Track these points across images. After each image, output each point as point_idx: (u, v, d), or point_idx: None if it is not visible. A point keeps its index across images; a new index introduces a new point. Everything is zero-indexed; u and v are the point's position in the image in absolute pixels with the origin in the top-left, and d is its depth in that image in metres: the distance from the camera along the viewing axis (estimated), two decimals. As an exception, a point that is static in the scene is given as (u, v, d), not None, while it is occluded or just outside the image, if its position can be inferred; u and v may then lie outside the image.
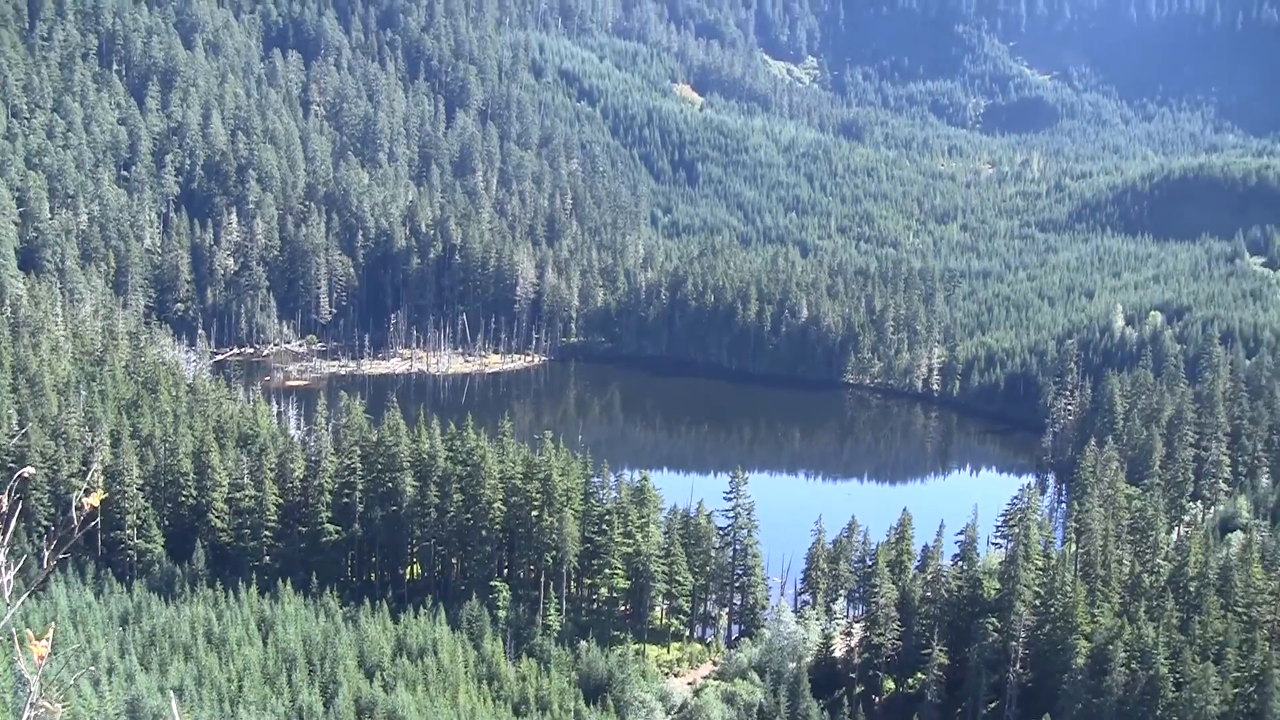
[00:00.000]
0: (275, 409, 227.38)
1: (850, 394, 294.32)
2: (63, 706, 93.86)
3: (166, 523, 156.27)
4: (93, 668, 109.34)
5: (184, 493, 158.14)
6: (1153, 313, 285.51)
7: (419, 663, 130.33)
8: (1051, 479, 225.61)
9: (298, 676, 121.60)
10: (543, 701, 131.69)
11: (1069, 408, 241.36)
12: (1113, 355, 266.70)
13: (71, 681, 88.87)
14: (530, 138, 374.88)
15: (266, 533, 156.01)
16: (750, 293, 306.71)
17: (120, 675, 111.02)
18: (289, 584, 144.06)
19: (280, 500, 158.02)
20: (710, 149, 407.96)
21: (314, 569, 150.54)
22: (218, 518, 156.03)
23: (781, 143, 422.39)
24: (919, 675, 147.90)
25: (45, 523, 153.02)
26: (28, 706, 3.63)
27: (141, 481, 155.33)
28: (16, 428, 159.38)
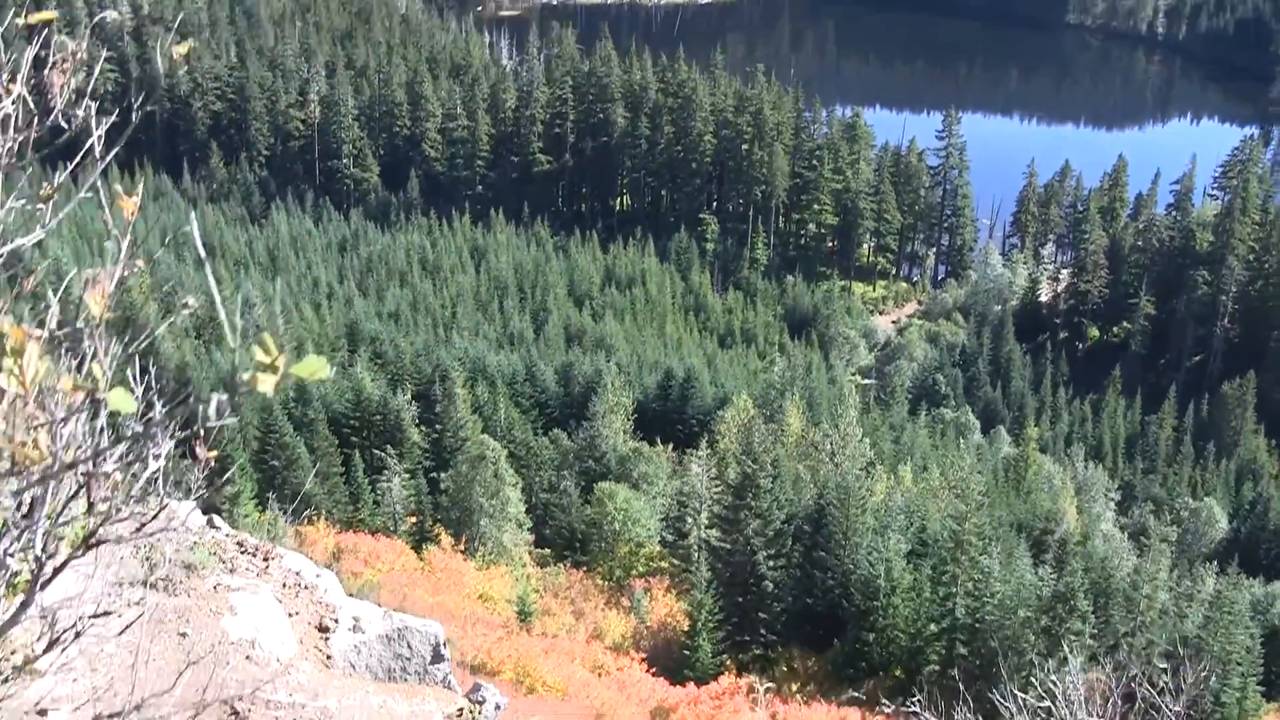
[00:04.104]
0: (487, 39, 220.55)
1: (1070, 34, 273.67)
2: (285, 325, 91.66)
3: (381, 153, 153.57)
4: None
5: (398, 123, 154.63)
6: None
7: (627, 292, 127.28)
8: (1276, 131, 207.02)
9: (509, 303, 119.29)
10: (748, 334, 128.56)
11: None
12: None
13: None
14: None
15: (479, 162, 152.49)
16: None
17: (339, 300, 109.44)
18: (501, 213, 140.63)
19: (492, 130, 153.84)
20: None
21: (525, 199, 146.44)
22: (431, 147, 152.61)
23: None
24: (1124, 324, 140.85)
25: (265, 152, 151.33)
26: (120, 262, 2.57)
27: (356, 111, 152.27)
28: (235, 60, 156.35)
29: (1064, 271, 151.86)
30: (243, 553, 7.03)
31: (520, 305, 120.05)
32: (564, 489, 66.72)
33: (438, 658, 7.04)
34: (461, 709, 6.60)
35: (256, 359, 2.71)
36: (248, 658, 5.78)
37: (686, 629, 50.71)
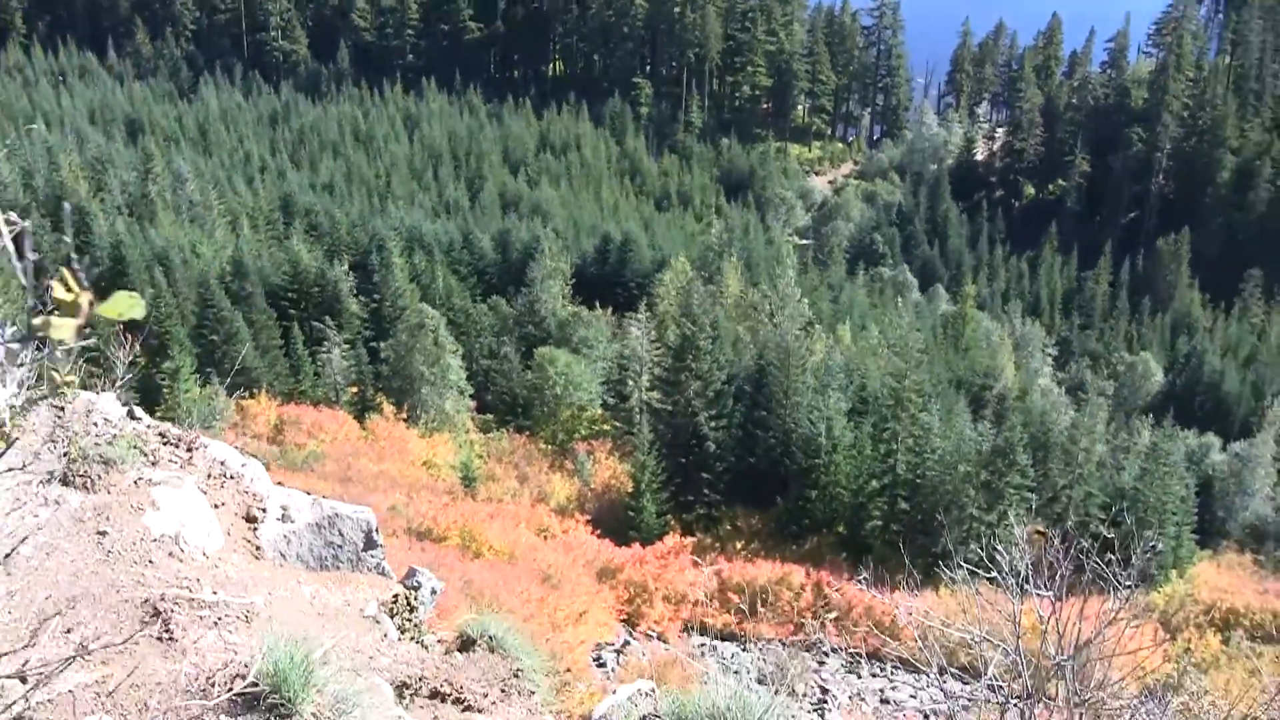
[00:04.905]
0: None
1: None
2: (218, 202, 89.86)
3: (310, 23, 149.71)
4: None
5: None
6: None
7: (562, 158, 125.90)
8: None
9: (444, 171, 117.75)
10: (684, 196, 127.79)
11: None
12: None
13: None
14: None
15: (409, 31, 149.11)
16: None
17: (272, 173, 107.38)
18: (433, 82, 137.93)
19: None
20: None
21: (457, 66, 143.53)
22: (360, 17, 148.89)
23: None
24: (1060, 182, 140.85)
25: (191, 26, 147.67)
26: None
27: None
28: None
29: (999, 130, 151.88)
30: (165, 444, 6.76)
31: (455, 173, 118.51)
32: (504, 355, 66.63)
33: (370, 544, 6.85)
34: (396, 595, 6.45)
35: (55, 297, 2.27)
36: (171, 554, 5.56)
37: (630, 491, 51.06)
